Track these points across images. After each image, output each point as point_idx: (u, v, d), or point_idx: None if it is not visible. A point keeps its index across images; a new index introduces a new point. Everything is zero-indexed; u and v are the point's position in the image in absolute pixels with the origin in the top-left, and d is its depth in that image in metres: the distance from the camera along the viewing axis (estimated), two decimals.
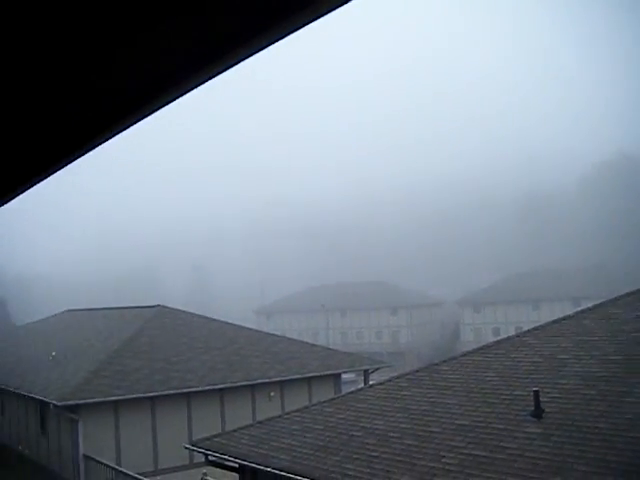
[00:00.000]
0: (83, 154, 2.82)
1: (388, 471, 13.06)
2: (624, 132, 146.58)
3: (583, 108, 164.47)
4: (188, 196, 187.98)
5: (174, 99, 2.24)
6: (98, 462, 25.45)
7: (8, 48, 1.99)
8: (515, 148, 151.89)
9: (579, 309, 20.24)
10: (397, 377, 18.84)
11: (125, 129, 2.54)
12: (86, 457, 26.17)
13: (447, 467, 12.48)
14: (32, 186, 3.43)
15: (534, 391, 13.28)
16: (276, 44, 1.91)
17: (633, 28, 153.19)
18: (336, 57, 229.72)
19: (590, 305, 18.93)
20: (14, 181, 3.41)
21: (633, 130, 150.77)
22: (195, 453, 21.17)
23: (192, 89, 2.15)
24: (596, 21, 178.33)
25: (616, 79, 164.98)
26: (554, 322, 18.33)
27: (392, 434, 14.65)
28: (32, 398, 29.43)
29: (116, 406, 27.16)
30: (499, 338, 22.08)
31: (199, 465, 23.04)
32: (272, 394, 30.37)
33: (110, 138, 2.63)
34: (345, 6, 1.78)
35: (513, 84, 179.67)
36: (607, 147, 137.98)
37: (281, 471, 14.72)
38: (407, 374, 18.78)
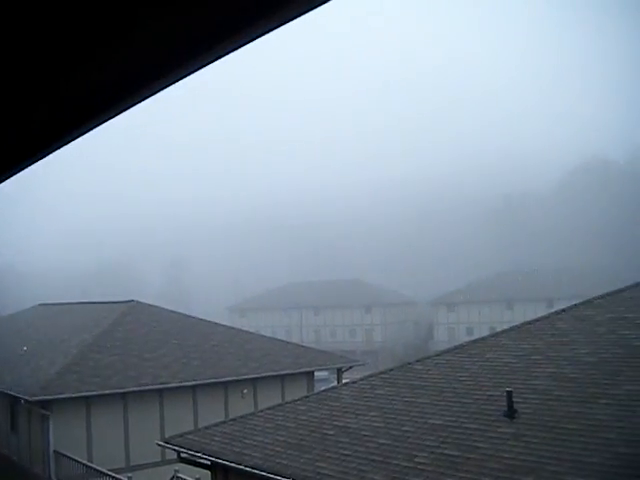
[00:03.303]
0: (69, 141, 2.81)
1: (361, 470, 13.05)
2: (601, 136, 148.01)
3: (562, 111, 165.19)
4: (166, 195, 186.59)
5: (166, 87, 2.25)
6: (69, 458, 25.28)
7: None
8: (493, 148, 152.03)
9: (553, 310, 20.37)
10: (371, 376, 18.83)
11: (109, 118, 2.54)
12: (57, 453, 25.99)
13: (420, 466, 12.49)
14: (19, 171, 3.41)
15: (507, 391, 13.31)
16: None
17: (616, 34, 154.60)
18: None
19: (564, 306, 19.03)
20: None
21: (610, 134, 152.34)
22: (167, 450, 21.06)
23: (181, 78, 2.15)
24: (577, 27, 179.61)
25: (596, 83, 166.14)
26: (528, 323, 18.41)
27: (365, 433, 14.63)
28: (3, 393, 29.16)
29: (88, 402, 26.96)
30: (473, 338, 22.17)
31: (171, 462, 22.92)
32: (245, 391, 30.27)
33: (90, 129, 2.62)
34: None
35: (496, 84, 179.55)
36: (583, 151, 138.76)
37: (253, 469, 14.66)
38: (381, 373, 18.77)
